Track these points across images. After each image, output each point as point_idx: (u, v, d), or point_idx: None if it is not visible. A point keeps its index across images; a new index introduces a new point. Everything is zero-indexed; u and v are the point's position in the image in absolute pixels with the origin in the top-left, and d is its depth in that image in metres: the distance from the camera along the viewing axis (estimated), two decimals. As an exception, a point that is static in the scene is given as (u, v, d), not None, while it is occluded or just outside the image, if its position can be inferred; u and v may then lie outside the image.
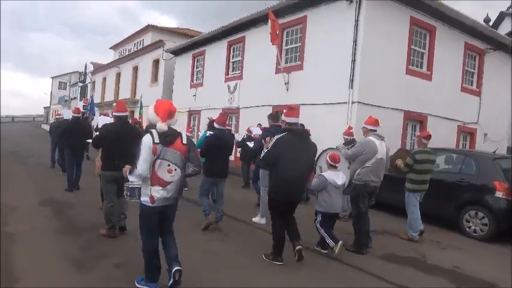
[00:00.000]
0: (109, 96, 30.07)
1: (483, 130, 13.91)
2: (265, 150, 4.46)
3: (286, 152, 4.29)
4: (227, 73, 15.87)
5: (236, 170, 11.78)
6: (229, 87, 15.50)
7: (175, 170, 3.41)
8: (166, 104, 3.47)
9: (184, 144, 3.48)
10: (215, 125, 6.10)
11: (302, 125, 11.14)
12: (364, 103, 10.23)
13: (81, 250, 4.52)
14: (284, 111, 4.68)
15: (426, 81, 11.80)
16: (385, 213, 7.97)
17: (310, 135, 4.70)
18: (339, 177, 4.94)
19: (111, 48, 33.05)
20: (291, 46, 12.65)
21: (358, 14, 10.16)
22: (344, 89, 10.39)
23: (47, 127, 45.93)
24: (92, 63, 37.45)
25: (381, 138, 5.33)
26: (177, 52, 20.19)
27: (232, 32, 15.43)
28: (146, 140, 3.32)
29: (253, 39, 14.27)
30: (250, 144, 8.45)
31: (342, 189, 5.05)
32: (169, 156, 3.37)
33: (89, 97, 35.80)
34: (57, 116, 14.65)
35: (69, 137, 8.38)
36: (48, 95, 59.21)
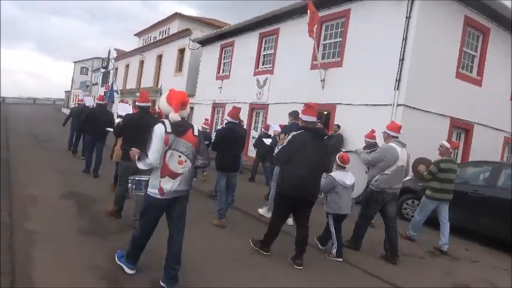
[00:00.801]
0: (131, 84, 29.78)
1: (530, 143, 12.90)
2: (279, 147, 4.43)
3: (300, 150, 4.26)
4: (257, 66, 15.17)
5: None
6: (258, 81, 14.82)
7: (186, 161, 3.31)
8: (180, 94, 3.34)
9: (195, 135, 3.40)
10: (227, 118, 6.03)
11: (338, 126, 10.58)
12: (410, 106, 9.43)
13: (110, 259, 3.91)
14: (302, 108, 4.56)
15: (476, 86, 10.89)
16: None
17: (327, 135, 4.74)
18: (347, 177, 4.84)
19: (135, 35, 32.67)
20: (330, 41, 11.87)
21: (411, 9, 9.32)
22: (389, 90, 9.58)
23: (67, 111, 46.18)
24: (115, 49, 37.23)
25: (403, 145, 5.16)
26: (205, 42, 19.58)
27: (265, 23, 14.70)
28: (158, 129, 3.20)
29: (288, 31, 13.52)
30: (267, 141, 8.44)
31: (352, 189, 4.95)
32: (181, 147, 3.27)
33: (110, 84, 35.74)
34: (78, 101, 14.28)
35: (92, 124, 8.34)
36: (69, 79, 59.66)
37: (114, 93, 23.39)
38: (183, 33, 21.75)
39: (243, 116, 15.03)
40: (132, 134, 4.84)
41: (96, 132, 8.26)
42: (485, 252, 6.34)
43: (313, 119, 4.44)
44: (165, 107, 3.28)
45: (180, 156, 3.26)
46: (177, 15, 24.77)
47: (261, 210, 6.73)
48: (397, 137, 5.16)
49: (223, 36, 17.84)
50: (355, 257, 5.00)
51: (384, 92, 9.70)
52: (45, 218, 4.97)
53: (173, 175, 3.25)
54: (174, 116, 3.21)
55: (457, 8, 9.99)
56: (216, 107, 18.03)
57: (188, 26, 22.59)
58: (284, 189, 4.35)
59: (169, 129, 3.19)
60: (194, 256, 4.15)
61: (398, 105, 9.43)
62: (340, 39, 11.36)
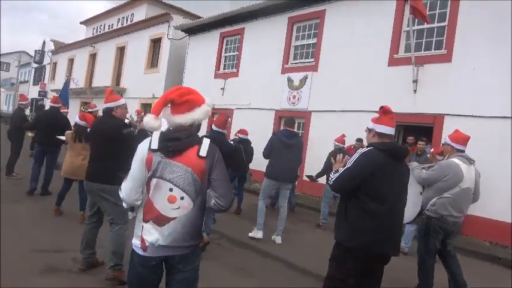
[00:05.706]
0: (78, 82, 24.12)
1: None
2: (341, 170, 2.82)
3: (376, 178, 2.70)
4: (286, 61, 11.48)
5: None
6: (290, 80, 11.15)
7: (183, 198, 1.92)
8: (171, 90, 2.03)
9: (202, 157, 1.95)
10: (213, 127, 5.17)
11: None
12: None
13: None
14: (377, 115, 2.95)
15: None
16: None
17: (408, 153, 3.50)
18: None
19: (82, 23, 26.86)
20: (422, 26, 8.65)
21: None
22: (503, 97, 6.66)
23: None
24: (52, 40, 30.90)
25: (470, 161, 4.04)
26: (194, 30, 15.40)
27: (297, 6, 11.12)
28: (140, 146, 2.03)
29: (339, 14, 10.07)
30: None
31: None
32: (172, 174, 1.92)
33: (45, 82, 29.48)
34: (20, 101, 9.45)
35: (41, 130, 7.17)
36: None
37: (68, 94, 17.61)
38: (160, 19, 17.21)
39: (264, 123, 11.29)
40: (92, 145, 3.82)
41: (45, 141, 6.95)
42: None
43: (392, 131, 2.87)
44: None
45: (171, 190, 1.91)
46: (145, -2, 20.02)
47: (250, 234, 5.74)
48: (463, 151, 4.13)
49: (223, 22, 13.88)
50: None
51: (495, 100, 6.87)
52: None
53: (160, 219, 1.92)
54: (148, 121, 1.94)
55: None
56: (215, 113, 13.96)
57: (161, 11, 18.06)
58: (354, 240, 2.68)
59: (154, 146, 1.95)
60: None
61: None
62: (445, 23, 8.17)
